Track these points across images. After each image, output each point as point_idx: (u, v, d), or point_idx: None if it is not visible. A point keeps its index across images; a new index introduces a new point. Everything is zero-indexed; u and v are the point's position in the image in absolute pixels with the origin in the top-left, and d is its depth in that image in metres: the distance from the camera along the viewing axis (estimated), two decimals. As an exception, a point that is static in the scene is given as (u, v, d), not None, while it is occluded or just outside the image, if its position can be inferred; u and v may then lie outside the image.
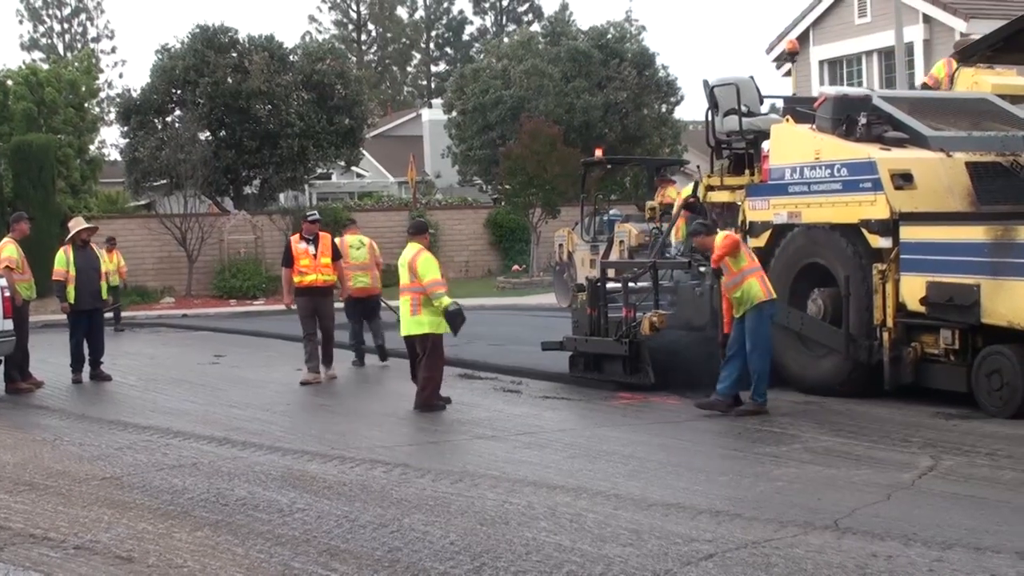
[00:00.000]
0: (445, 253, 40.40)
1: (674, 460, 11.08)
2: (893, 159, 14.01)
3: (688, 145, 48.18)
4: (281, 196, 45.71)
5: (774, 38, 36.83)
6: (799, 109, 15.59)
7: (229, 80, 40.73)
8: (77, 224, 18.57)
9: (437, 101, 58.14)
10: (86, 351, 18.05)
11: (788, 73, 35.56)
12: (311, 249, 17.23)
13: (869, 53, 33.59)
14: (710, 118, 16.59)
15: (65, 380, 17.73)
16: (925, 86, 17.58)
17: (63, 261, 17.89)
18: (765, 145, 15.71)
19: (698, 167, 20.59)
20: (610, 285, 16.40)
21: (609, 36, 46.86)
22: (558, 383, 16.17)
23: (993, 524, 8.43)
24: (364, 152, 49.38)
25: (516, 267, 40.02)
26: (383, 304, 19.37)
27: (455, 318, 14.15)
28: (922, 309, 13.40)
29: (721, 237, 13.74)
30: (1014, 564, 7.37)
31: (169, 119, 42.34)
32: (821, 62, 34.99)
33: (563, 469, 10.72)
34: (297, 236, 17.61)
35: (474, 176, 47.46)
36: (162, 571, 7.74)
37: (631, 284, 15.90)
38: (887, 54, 31.63)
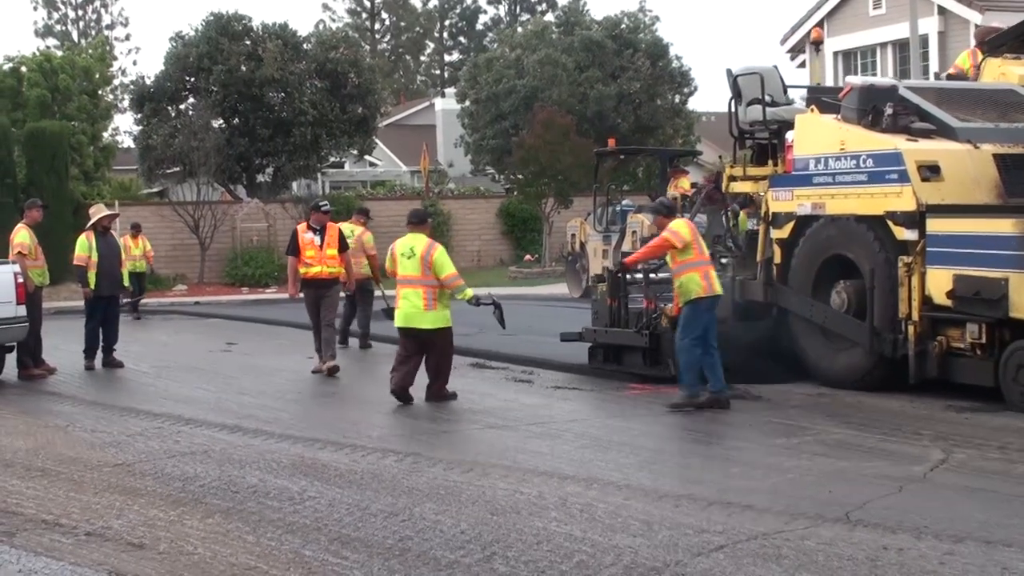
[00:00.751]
0: (457, 242, 40.41)
1: (686, 451, 11.09)
2: (920, 150, 13.86)
3: (701, 136, 48.11)
4: (294, 184, 45.73)
5: (788, 29, 36.80)
6: (824, 99, 15.41)
7: (242, 68, 40.76)
8: (99, 211, 18.62)
9: (450, 90, 58.12)
10: (100, 338, 18.07)
11: (802, 64, 35.56)
12: (317, 240, 16.86)
13: (883, 45, 33.55)
14: (733, 108, 16.43)
15: (78, 367, 17.76)
16: (950, 76, 17.36)
17: (85, 247, 17.94)
18: (789, 135, 15.51)
19: (720, 157, 20.53)
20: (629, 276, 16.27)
21: (623, 26, 46.78)
22: (570, 373, 16.14)
23: (1005, 517, 8.42)
24: (377, 141, 49.40)
25: (528, 257, 40.00)
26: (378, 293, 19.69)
27: (499, 307, 14.58)
28: (948, 303, 13.22)
29: (679, 225, 13.57)
30: (1025, 558, 7.36)
31: (183, 107, 42.40)
32: (835, 53, 34.94)
33: (574, 459, 10.72)
34: (304, 225, 17.30)
35: (487, 166, 47.44)
36: (173, 558, 7.76)
37: (652, 275, 15.65)
38: (902, 46, 31.56)
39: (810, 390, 14.38)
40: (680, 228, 13.50)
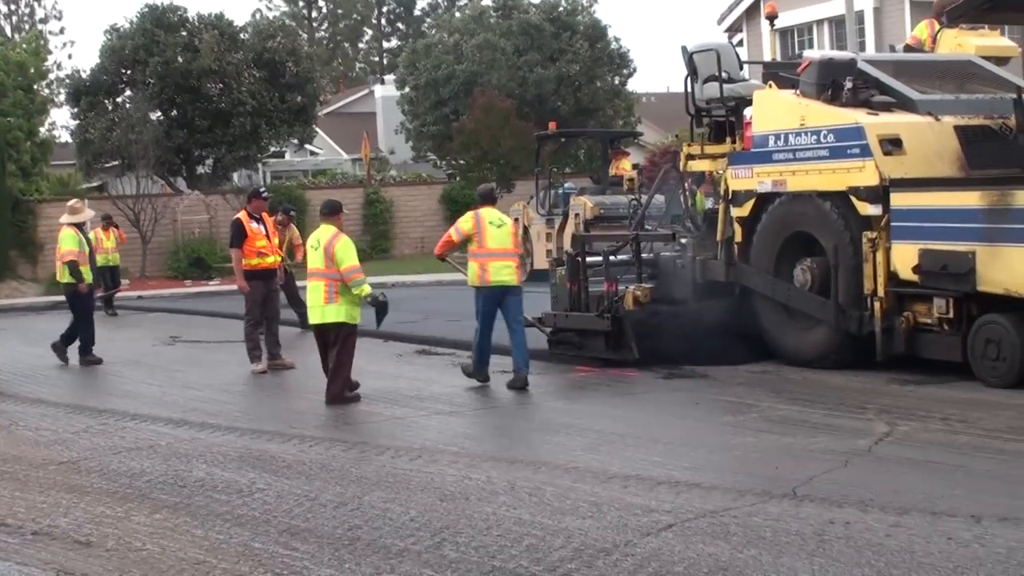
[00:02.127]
0: (401, 229, 40.32)
1: (632, 432, 11.11)
2: (881, 124, 13.72)
3: (641, 117, 48.24)
4: (234, 175, 45.46)
5: (725, 8, 36.87)
6: (782, 74, 15.22)
7: (179, 59, 40.42)
8: (81, 208, 18.57)
9: (390, 77, 57.95)
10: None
11: (740, 43, 35.64)
12: (262, 229, 16.65)
13: (820, 22, 33.70)
14: (689, 85, 16.08)
15: (19, 365, 17.59)
16: (908, 48, 17.11)
17: (75, 241, 17.76)
18: (747, 112, 15.24)
19: (677, 136, 20.34)
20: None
21: (561, 9, 46.79)
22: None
23: (948, 488, 8.51)
24: (317, 130, 49.15)
25: (472, 242, 39.95)
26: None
27: (383, 309, 13.70)
28: (915, 278, 13.09)
29: (463, 219, 14.04)
30: (969, 527, 7.43)
31: (119, 100, 42.01)
32: (772, 31, 35.02)
33: (522, 443, 10.74)
34: (246, 214, 16.78)
35: (428, 152, 47.37)
36: (121, 554, 7.71)
37: (612, 257, 15.48)
38: (838, 23, 31.71)
39: (753, 367, 14.42)
40: (462, 223, 14.14)
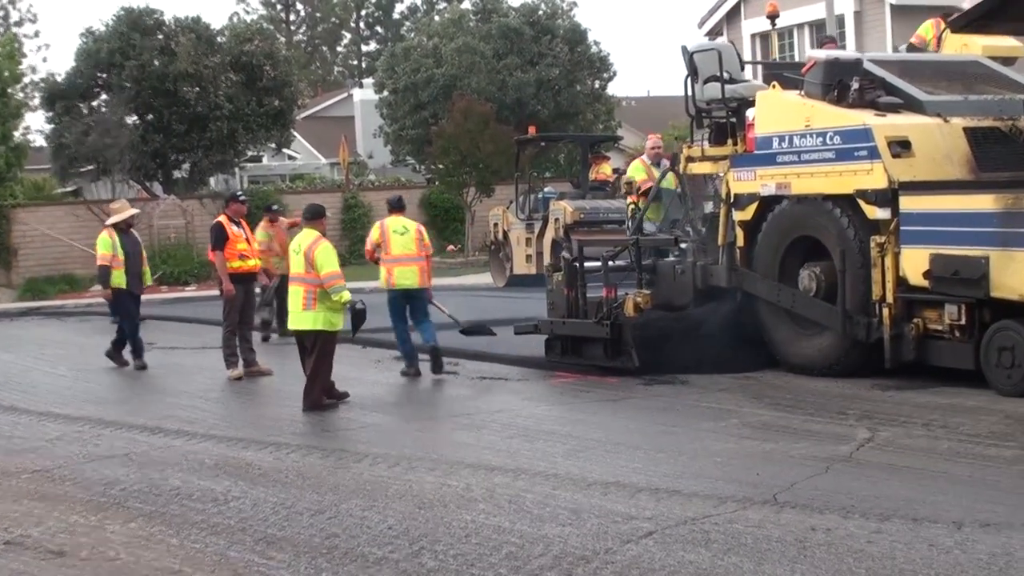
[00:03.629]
0: (380, 235, 40.17)
1: (613, 439, 11.10)
2: (890, 125, 13.48)
3: (622, 121, 48.28)
4: (211, 180, 45.35)
5: (705, 12, 36.95)
6: (786, 75, 14.96)
7: (156, 63, 40.27)
8: (123, 208, 18.39)
9: (368, 81, 57.91)
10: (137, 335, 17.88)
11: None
12: (243, 232, 16.68)
13: (800, 26, 33.76)
14: (689, 86, 15.69)
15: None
16: (912, 47, 16.94)
17: (108, 245, 17.63)
18: (750, 113, 14.92)
19: (678, 138, 20.22)
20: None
21: (540, 12, 46.78)
22: (495, 363, 16.11)
23: (930, 494, 8.52)
24: (295, 134, 49.09)
25: (451, 247, 39.95)
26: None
27: (360, 317, 13.56)
28: (925, 283, 12.82)
29: (372, 229, 15.50)
30: (951, 533, 7.45)
31: (95, 103, 41.85)
32: (753, 35, 35.11)
33: (501, 450, 10.72)
34: (225, 218, 16.78)
35: (407, 156, 47.30)
36: (95, 564, 7.67)
37: (610, 263, 15.31)
38: (819, 27, 31.79)
39: (736, 373, 14.34)
40: (372, 232, 15.79)
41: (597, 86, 47.56)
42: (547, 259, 26.99)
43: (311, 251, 13.35)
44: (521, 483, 9.28)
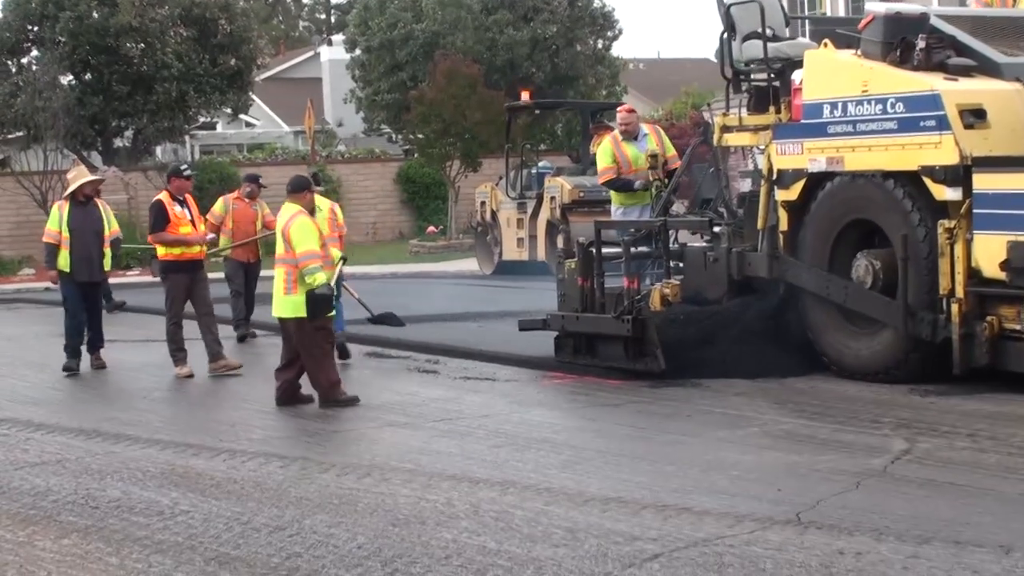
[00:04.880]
0: (350, 213, 40.02)
1: (614, 448, 11.14)
2: (962, 91, 13.19)
3: (628, 86, 48.33)
4: (158, 149, 45.39)
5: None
6: (839, 31, 14.73)
7: (94, 15, 40.30)
8: (79, 175, 17.52)
9: (338, 38, 57.84)
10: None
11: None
12: (187, 213, 16.38)
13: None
14: (726, 44, 15.47)
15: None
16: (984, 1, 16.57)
17: (55, 219, 16.87)
18: (796, 76, 14.67)
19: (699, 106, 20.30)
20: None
21: (536, -40, 46.83)
22: (480, 361, 16.13)
23: (975, 515, 8.56)
24: (254, 97, 49.14)
25: (431, 229, 40.01)
26: None
27: (317, 303, 13.25)
28: (1002, 275, 12.56)
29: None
30: (998, 559, 7.48)
31: (25, 60, 41.89)
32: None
33: (487, 460, 10.75)
34: (167, 195, 16.41)
35: (382, 124, 47.38)
36: (23, 586, 7.71)
37: (632, 249, 15.16)
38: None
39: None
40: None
41: (600, 46, 47.60)
42: (541, 243, 27.09)
43: (287, 228, 13.38)
44: (510, 498, 9.31)
